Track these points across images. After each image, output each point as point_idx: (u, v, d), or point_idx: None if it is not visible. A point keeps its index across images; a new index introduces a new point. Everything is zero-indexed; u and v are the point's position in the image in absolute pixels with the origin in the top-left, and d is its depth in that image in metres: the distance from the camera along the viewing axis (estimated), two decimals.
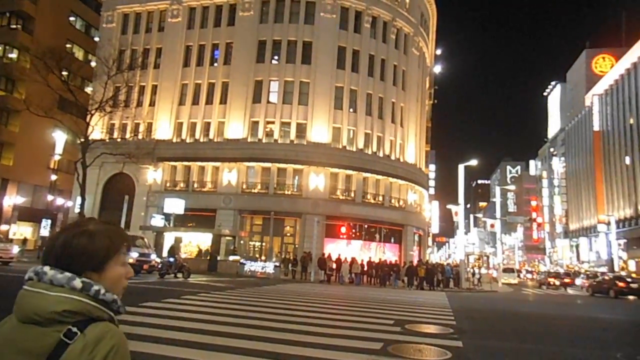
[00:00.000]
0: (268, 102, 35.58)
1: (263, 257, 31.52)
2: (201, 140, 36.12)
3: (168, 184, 36.05)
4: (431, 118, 57.32)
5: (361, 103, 36.37)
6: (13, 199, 40.99)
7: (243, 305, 11.23)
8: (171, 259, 19.21)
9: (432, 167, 67.20)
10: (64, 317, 1.13)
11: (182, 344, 6.36)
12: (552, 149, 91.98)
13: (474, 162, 30.38)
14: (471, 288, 27.49)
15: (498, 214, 40.50)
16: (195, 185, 35.57)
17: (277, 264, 28.35)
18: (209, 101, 36.63)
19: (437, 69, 58.94)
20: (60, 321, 1.12)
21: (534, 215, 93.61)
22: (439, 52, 57.55)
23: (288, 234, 34.82)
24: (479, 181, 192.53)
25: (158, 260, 20.77)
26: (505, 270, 40.68)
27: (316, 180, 33.91)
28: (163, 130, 36.90)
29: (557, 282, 36.68)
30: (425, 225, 44.90)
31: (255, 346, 6.45)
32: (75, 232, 1.25)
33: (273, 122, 35.31)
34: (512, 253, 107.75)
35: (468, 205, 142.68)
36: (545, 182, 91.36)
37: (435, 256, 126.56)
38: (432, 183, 63.18)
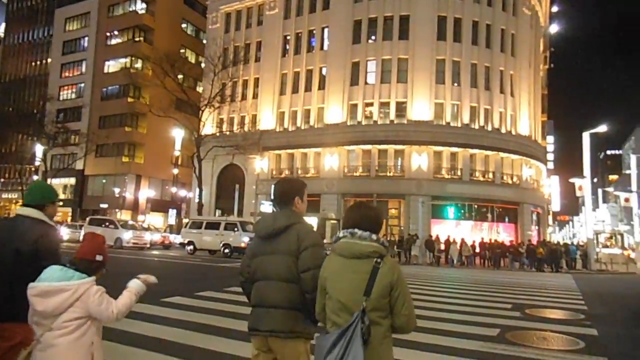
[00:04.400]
0: (366, 83, 35.03)
1: None
2: (302, 127, 36.94)
3: (274, 172, 37.62)
4: (547, 84, 51.72)
5: (465, 75, 34.03)
6: (146, 192, 46.34)
7: None
8: None
9: (550, 138, 61.00)
10: (372, 254, 2.13)
11: None
12: None
13: (602, 129, 26.58)
14: (603, 270, 24.40)
15: (634, 186, 35.27)
16: (299, 172, 36.60)
17: None
18: (308, 88, 37.22)
19: (554, 28, 52.79)
20: (369, 256, 2.12)
21: None
22: (555, 9, 51.49)
23: (393, 216, 34.25)
24: (608, 152, 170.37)
25: None
26: None
27: (419, 159, 32.71)
28: (266, 120, 38.47)
29: None
30: (544, 202, 40.94)
31: None
32: (367, 210, 2.32)
33: (372, 104, 34.75)
34: None
35: (595, 179, 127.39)
36: None
37: (557, 236, 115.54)
38: (550, 156, 57.50)
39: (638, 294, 13.51)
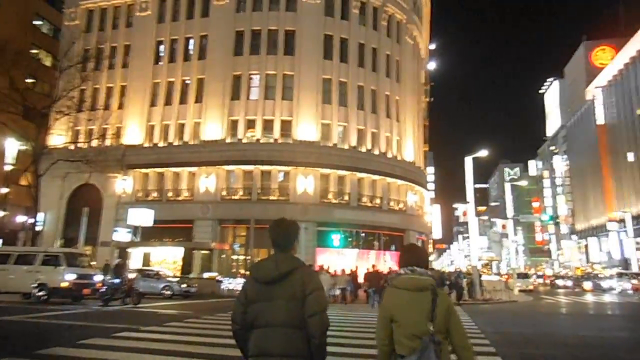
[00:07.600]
0: (248, 98, 31.92)
1: (247, 273, 27.56)
2: (175, 143, 32.35)
3: (139, 194, 32.14)
4: (428, 117, 53.77)
5: (352, 96, 32.76)
6: None
7: (195, 344, 7.34)
8: (116, 281, 15.26)
9: (431, 169, 63.45)
10: (430, 287, 2.51)
11: None
12: (552, 147, 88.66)
13: (483, 153, 26.51)
14: (488, 299, 23.60)
15: (509, 212, 36.69)
16: (170, 194, 31.68)
17: None
18: (183, 100, 32.96)
19: (432, 65, 55.66)
20: (428, 289, 2.50)
21: (536, 216, 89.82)
22: (433, 47, 54.33)
23: None
24: (476, 185, 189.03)
25: (112, 281, 16.76)
26: (519, 276, 36.75)
27: (305, 182, 30.12)
28: (133, 134, 33.13)
29: None
30: (427, 229, 41.10)
31: None
32: (421, 252, 2.80)
33: (254, 121, 31.61)
34: (515, 257, 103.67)
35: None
36: (547, 182, 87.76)
37: (436, 264, 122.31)
38: (431, 186, 59.47)
39: (550, 336, 11.08)
